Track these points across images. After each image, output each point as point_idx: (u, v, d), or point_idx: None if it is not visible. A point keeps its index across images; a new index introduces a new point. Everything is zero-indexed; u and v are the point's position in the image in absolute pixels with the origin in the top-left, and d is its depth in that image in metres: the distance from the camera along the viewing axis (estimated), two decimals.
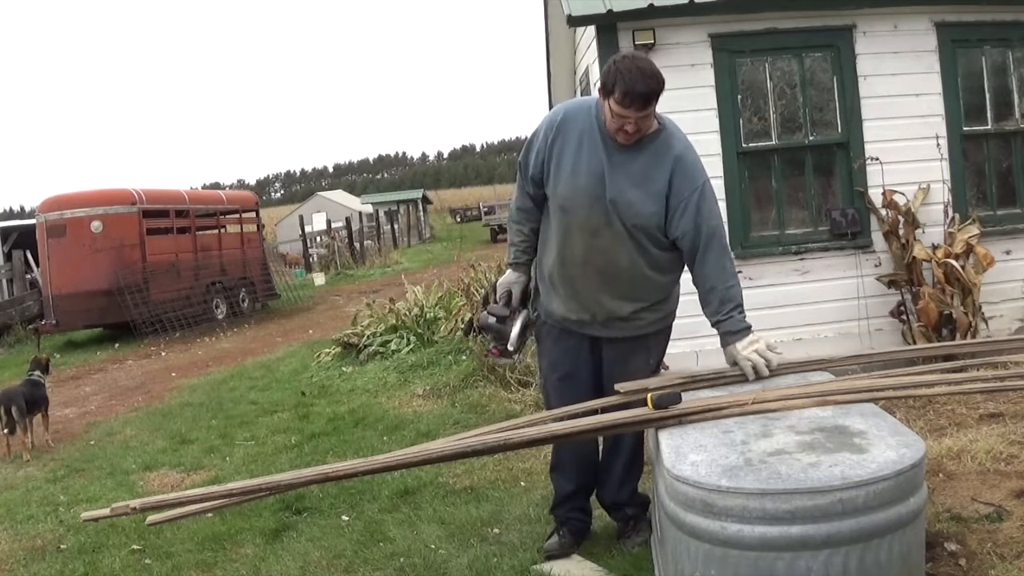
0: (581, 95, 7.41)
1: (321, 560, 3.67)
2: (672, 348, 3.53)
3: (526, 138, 3.31)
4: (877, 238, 5.54)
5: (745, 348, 2.90)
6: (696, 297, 3.08)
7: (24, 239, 15.78)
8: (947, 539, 2.98)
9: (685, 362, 3.55)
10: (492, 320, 3.20)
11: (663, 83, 2.88)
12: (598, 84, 3.05)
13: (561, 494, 3.48)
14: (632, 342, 3.23)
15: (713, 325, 3.02)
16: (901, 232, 5.39)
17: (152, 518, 2.63)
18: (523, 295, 3.34)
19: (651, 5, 5.15)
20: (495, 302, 3.27)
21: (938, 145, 5.51)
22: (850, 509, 2.10)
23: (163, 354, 11.73)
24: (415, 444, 4.50)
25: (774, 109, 5.55)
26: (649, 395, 2.67)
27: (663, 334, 3.33)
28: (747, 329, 2.95)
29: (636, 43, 5.28)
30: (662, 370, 3.51)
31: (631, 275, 3.11)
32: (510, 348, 3.11)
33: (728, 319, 2.96)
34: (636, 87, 2.83)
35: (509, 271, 3.32)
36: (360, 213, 33.76)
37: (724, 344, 2.98)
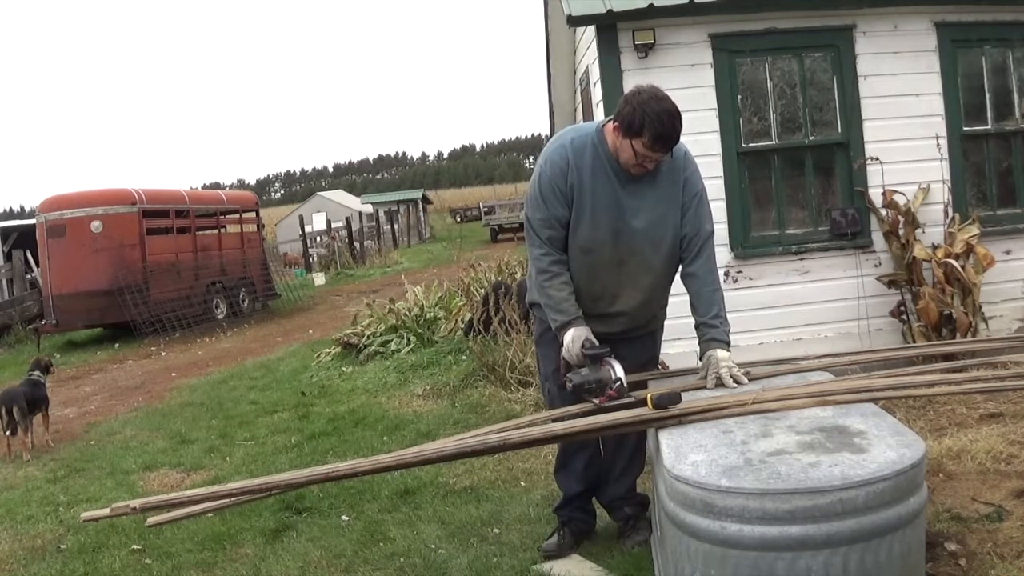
0: (581, 95, 7.41)
1: (321, 560, 3.67)
2: (672, 348, 3.56)
3: (533, 166, 3.19)
4: (877, 238, 5.54)
5: (726, 360, 2.98)
6: None
7: (24, 239, 15.78)
8: (947, 539, 2.98)
9: (685, 362, 3.54)
10: (584, 372, 2.92)
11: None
12: (609, 117, 3.02)
13: (568, 495, 3.50)
14: (645, 338, 3.35)
15: (698, 326, 3.08)
16: (901, 232, 5.39)
17: (152, 519, 2.63)
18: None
19: (651, 5, 5.15)
20: (577, 366, 2.99)
21: (938, 145, 5.50)
22: (850, 509, 2.10)
23: (163, 354, 11.73)
24: (415, 444, 4.50)
25: (774, 109, 5.55)
26: (649, 395, 2.68)
27: (663, 325, 3.47)
28: (729, 342, 3.06)
29: (636, 43, 5.28)
30: (660, 368, 3.54)
31: (652, 288, 3.19)
32: (625, 386, 2.88)
33: (718, 327, 3.04)
34: (669, 132, 2.87)
35: (572, 329, 3.04)
36: (360, 213, 33.74)
37: (707, 348, 3.04)
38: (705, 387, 2.95)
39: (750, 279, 5.46)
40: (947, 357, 4.23)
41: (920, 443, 2.27)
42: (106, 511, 2.57)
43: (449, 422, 5.73)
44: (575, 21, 5.35)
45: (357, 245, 26.86)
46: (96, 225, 13.19)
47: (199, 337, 13.07)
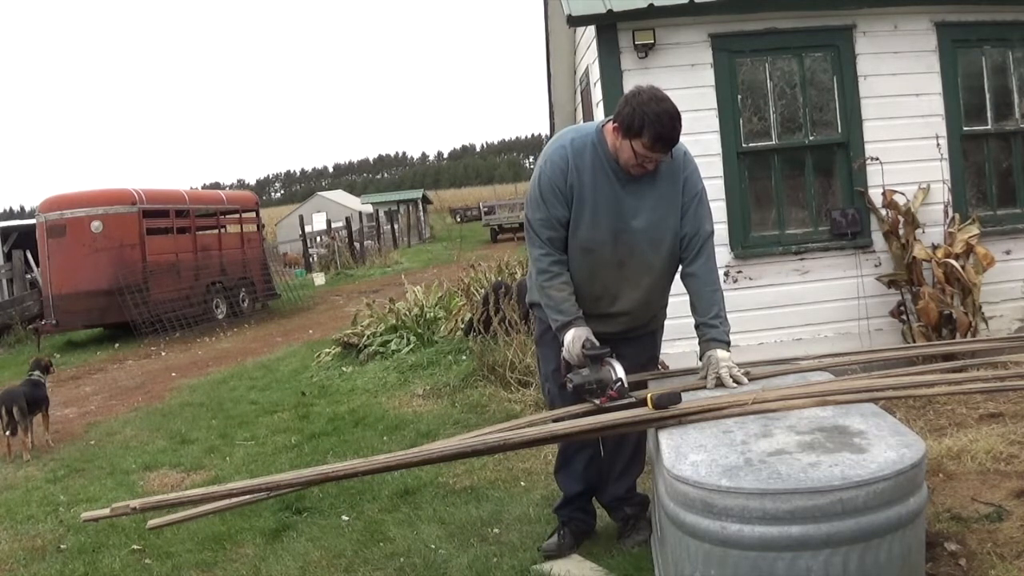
0: (581, 95, 7.41)
1: (321, 560, 3.67)
2: (672, 348, 3.56)
3: (533, 166, 3.19)
4: (877, 238, 5.54)
5: (726, 360, 2.98)
6: None
7: (24, 239, 15.79)
8: (947, 539, 2.98)
9: (685, 362, 3.55)
10: (585, 372, 2.91)
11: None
12: (609, 117, 3.02)
13: (568, 495, 3.50)
14: (645, 338, 3.35)
15: (698, 326, 3.08)
16: (901, 232, 5.39)
17: (153, 522, 2.63)
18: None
19: (651, 5, 5.15)
20: (577, 367, 2.97)
21: (938, 145, 5.51)
22: (850, 509, 2.10)
23: (163, 354, 11.73)
24: (415, 444, 4.51)
25: (774, 109, 5.55)
26: (649, 395, 2.67)
27: (663, 325, 3.46)
28: (729, 342, 3.05)
29: (636, 43, 5.28)
30: (660, 368, 3.54)
31: (652, 288, 3.19)
32: (625, 386, 2.86)
33: (718, 327, 3.04)
34: (668, 133, 2.87)
35: (573, 329, 3.03)
36: (360, 213, 33.74)
37: (706, 348, 3.04)
38: (705, 387, 2.95)
39: (750, 279, 5.47)
40: (947, 357, 4.23)
41: (920, 443, 2.27)
42: (106, 511, 2.57)
43: (449, 422, 5.72)
44: (575, 21, 5.35)
45: (357, 245, 26.87)
46: (96, 225, 13.19)
47: (199, 337, 13.07)
